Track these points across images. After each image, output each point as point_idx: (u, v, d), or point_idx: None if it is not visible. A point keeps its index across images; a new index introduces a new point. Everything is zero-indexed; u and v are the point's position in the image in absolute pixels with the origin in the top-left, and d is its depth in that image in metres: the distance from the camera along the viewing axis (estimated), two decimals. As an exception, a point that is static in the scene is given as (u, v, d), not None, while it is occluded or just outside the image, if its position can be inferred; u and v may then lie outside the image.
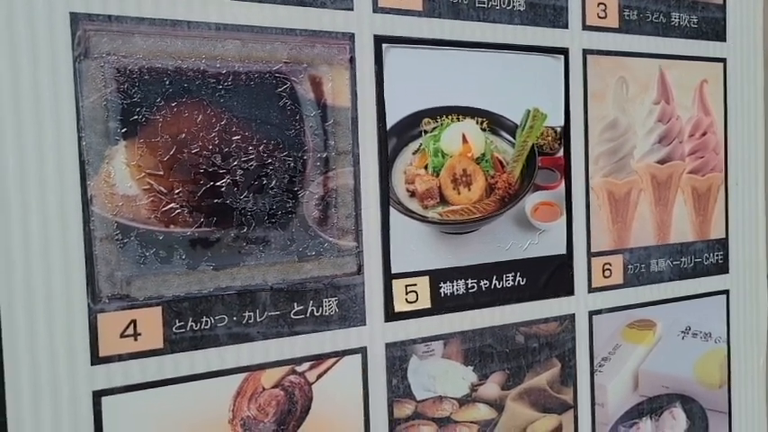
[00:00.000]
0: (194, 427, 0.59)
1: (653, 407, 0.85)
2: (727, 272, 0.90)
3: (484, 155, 0.72)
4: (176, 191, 0.57)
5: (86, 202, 0.54)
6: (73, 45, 0.53)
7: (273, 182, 0.61)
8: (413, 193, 0.69)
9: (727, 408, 0.91)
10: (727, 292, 0.90)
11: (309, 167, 0.63)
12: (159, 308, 0.57)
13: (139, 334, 0.56)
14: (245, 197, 0.60)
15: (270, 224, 0.61)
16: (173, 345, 0.58)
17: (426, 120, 0.69)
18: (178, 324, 0.58)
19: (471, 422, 0.73)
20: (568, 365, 0.78)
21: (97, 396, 0.55)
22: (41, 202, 0.53)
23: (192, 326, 0.58)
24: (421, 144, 0.69)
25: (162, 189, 0.57)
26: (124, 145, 0.55)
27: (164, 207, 0.57)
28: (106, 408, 0.55)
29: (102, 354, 0.55)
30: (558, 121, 0.77)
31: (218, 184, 0.59)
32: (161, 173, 0.57)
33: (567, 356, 0.78)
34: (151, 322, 0.57)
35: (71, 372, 0.54)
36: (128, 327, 0.56)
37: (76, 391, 0.54)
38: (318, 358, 0.64)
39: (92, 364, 0.55)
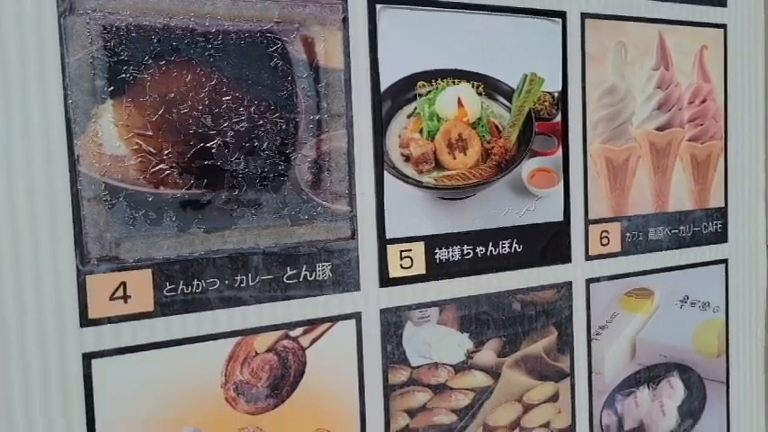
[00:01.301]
0: (186, 391, 0.58)
1: (650, 376, 0.84)
2: (726, 241, 0.89)
3: (480, 119, 0.71)
4: (166, 152, 0.56)
5: (73, 162, 0.53)
6: (58, 0, 0.52)
7: (265, 144, 0.60)
8: (407, 158, 0.68)
9: (725, 377, 0.90)
10: (725, 261, 0.89)
11: (302, 130, 0.62)
12: (149, 270, 0.56)
13: (129, 296, 0.55)
14: (235, 159, 0.59)
15: (261, 187, 0.60)
16: (163, 308, 0.57)
17: (421, 83, 0.68)
18: (169, 287, 0.57)
19: (467, 389, 0.72)
20: (565, 333, 0.78)
21: (87, 358, 0.54)
22: (27, 161, 0.52)
23: (182, 289, 0.58)
24: (416, 108, 0.68)
25: (151, 150, 0.56)
26: (111, 104, 0.54)
27: (153, 168, 0.56)
28: (96, 370, 0.55)
29: (91, 316, 0.54)
30: (556, 86, 0.75)
31: (208, 145, 0.58)
32: (150, 133, 0.56)
33: (564, 324, 0.78)
34: (141, 285, 0.56)
35: (60, 333, 0.53)
36: (117, 289, 0.55)
37: (66, 353, 0.54)
38: (312, 323, 0.63)
39: (81, 326, 0.54)
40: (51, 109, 0.52)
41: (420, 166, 0.68)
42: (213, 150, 0.58)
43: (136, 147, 0.55)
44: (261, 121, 0.60)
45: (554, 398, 0.77)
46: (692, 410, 0.87)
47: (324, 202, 0.63)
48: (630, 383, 0.83)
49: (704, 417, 0.88)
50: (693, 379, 0.88)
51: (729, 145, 0.89)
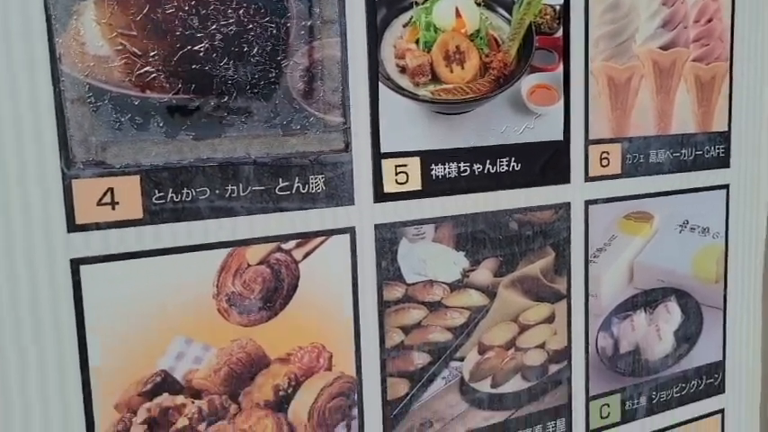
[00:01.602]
0: (178, 300, 0.57)
1: (647, 300, 0.84)
2: (728, 166, 0.88)
3: (478, 32, 0.69)
4: (151, 53, 0.54)
5: (55, 61, 0.51)
6: None
7: (255, 49, 0.58)
8: (403, 69, 0.66)
9: (722, 304, 0.90)
10: (727, 186, 0.88)
11: (293, 36, 0.60)
12: (137, 177, 0.55)
13: (117, 203, 0.54)
14: (224, 64, 0.57)
15: (252, 94, 0.58)
16: (153, 216, 0.56)
17: (417, -9, 0.65)
18: (158, 194, 0.56)
19: (462, 308, 0.72)
20: (562, 255, 0.77)
21: (75, 264, 0.53)
22: (7, 58, 0.50)
23: (172, 197, 0.56)
24: (412, 17, 0.66)
25: (136, 51, 0.54)
26: (93, 1, 0.52)
27: (138, 70, 0.54)
28: (85, 277, 0.54)
29: (78, 221, 0.53)
30: (558, -1, 0.73)
31: (195, 48, 0.56)
32: (134, 33, 0.54)
33: (562, 246, 0.77)
34: (129, 191, 0.55)
35: (47, 239, 0.52)
36: (104, 195, 0.54)
37: (53, 258, 0.53)
38: (305, 236, 0.62)
39: (68, 232, 0.53)
40: (31, 3, 0.50)
41: (416, 79, 0.66)
42: (201, 54, 0.56)
43: (120, 47, 0.53)
44: (250, 25, 0.58)
45: (550, 319, 0.77)
46: (688, 336, 0.87)
47: (316, 113, 0.61)
48: (627, 307, 0.83)
49: (700, 342, 0.88)
50: (691, 304, 0.87)
51: (735, 67, 0.87)
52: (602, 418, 0.82)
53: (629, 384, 0.84)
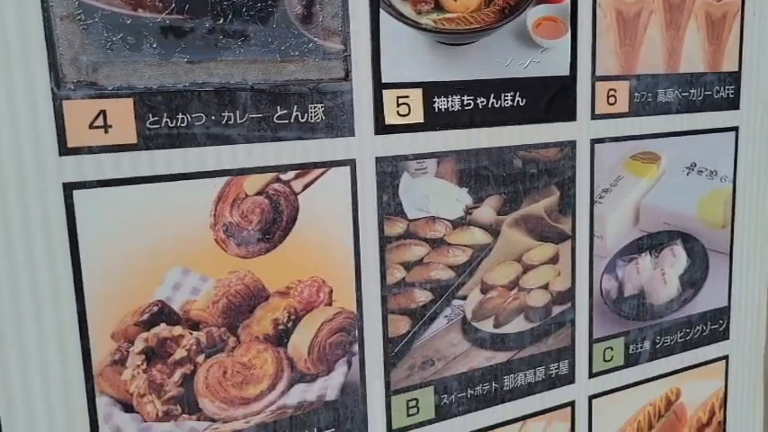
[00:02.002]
0: (175, 229, 0.56)
1: (653, 243, 0.83)
2: (738, 108, 0.86)
3: (483, -41, 0.66)
4: (143, -30, 0.52)
5: (42, -26, 0.49)
6: None
7: (251, -30, 0.56)
8: (405, -4, 0.64)
9: (728, 249, 0.89)
10: (736, 129, 0.86)
11: (291, -43, 0.57)
12: (130, 99, 0.53)
13: (110, 126, 0.53)
14: (219, -16, 0.55)
15: (248, 17, 0.56)
16: (147, 141, 0.54)
17: None
18: (152, 119, 0.54)
19: (465, 245, 0.70)
20: (567, 194, 0.75)
21: (68, 189, 0.52)
22: (-9, -30, 0.48)
23: (167, 122, 0.55)
24: (414, -59, 0.63)
25: (127, -33, 0.52)
26: None
27: (130, -13, 0.52)
28: (78, 202, 0.52)
29: (70, 144, 0.51)
30: (565, -73, 0.70)
31: (189, -34, 0.54)
32: (125, -52, 0.51)
33: (567, 185, 0.75)
34: (122, 114, 0.53)
35: (38, 162, 0.51)
36: (97, 117, 0.52)
37: (45, 182, 0.51)
38: (304, 167, 0.61)
39: (60, 155, 0.51)
40: None
41: (418, 6, 0.64)
42: (195, -27, 0.54)
43: (110, -38, 0.51)
44: (246, -56, 0.55)
45: (554, 260, 0.76)
46: (693, 280, 0.86)
47: (315, 39, 0.59)
48: (632, 250, 0.81)
49: (706, 287, 0.87)
50: (697, 249, 0.86)
51: (746, 5, 0.84)
52: (605, 361, 0.81)
53: (633, 328, 0.83)
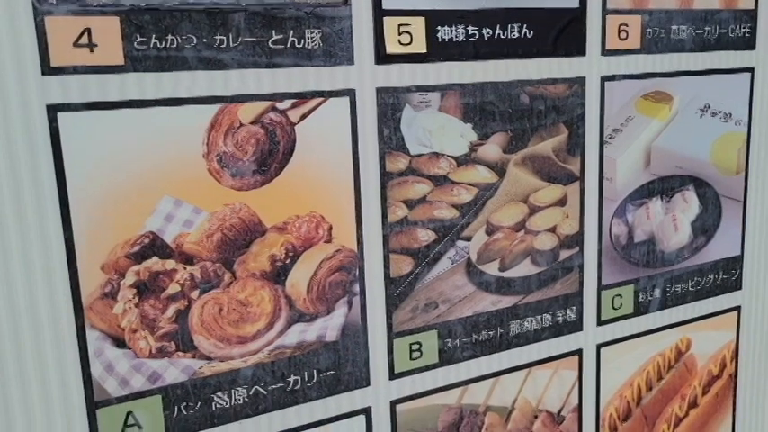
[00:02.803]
0: (165, 158, 0.54)
1: (664, 187, 0.80)
2: (754, 48, 0.82)
3: None
4: None
5: None
6: None
7: None
8: None
9: (742, 195, 0.86)
10: (751, 70, 0.83)
11: None
12: (116, 18, 0.50)
13: (95, 45, 0.50)
14: None
15: (241, -67, 0.54)
16: (135, 62, 0.51)
17: None
18: (139, 39, 0.51)
19: (470, 184, 0.68)
20: (576, 134, 0.73)
21: (52, 111, 0.49)
22: None
23: (155, 43, 0.52)
24: None
25: None
26: None
27: None
28: (63, 125, 0.50)
29: (54, 63, 0.49)
30: None
31: None
32: None
33: (576, 123, 0.72)
34: (108, 33, 0.50)
35: (20, 81, 0.48)
36: (81, 35, 0.49)
37: (28, 104, 0.49)
38: (301, 97, 0.58)
39: (43, 74, 0.49)
40: None
41: (420, -72, 0.61)
42: None
43: None
44: None
45: (562, 202, 0.73)
46: (705, 228, 0.83)
47: (312, -41, 0.56)
48: (643, 194, 0.79)
49: (718, 235, 0.85)
50: (709, 195, 0.83)
51: (765, -61, 0.80)
52: (614, 308, 0.79)
53: (643, 276, 0.80)
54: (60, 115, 0.50)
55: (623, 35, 0.73)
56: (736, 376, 0.91)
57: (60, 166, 0.50)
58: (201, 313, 0.57)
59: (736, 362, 0.90)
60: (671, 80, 0.77)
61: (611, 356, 0.80)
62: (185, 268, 0.56)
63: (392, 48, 0.61)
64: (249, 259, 0.58)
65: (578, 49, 0.71)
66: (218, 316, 0.58)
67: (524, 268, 0.72)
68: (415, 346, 0.67)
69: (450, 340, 0.69)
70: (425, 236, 0.66)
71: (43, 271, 0.51)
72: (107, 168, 0.52)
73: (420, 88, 0.63)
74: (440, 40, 0.63)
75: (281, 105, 0.58)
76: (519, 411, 0.74)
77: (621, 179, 0.77)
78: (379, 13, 0.60)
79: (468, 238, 0.68)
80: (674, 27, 0.76)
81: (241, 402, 0.60)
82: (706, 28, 0.78)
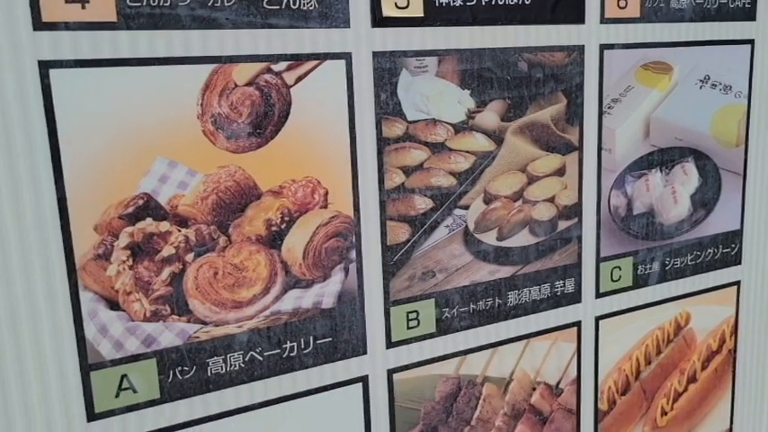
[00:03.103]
0: (159, 118, 0.53)
1: (664, 159, 0.79)
2: (754, 19, 0.81)
3: None
4: None
5: None
6: None
7: None
8: None
9: (742, 169, 0.85)
10: (752, 41, 0.82)
11: None
12: (109, -27, 0.50)
13: (87, 1, 0.49)
14: None
15: None
16: (128, 20, 0.51)
17: None
18: (132, -4, 0.51)
19: (467, 152, 0.67)
20: (575, 103, 0.72)
21: (44, 67, 0.49)
22: None
23: (148, 1, 0.51)
24: None
25: None
26: None
27: None
28: (55, 82, 0.49)
29: (45, 18, 0.48)
30: None
31: None
32: None
33: (574, 92, 0.72)
34: (100, -11, 0.50)
35: (11, 36, 0.48)
36: (73, -9, 0.49)
37: (20, 59, 0.48)
38: (297, 59, 0.58)
39: (34, 29, 0.48)
40: None
41: None
42: None
43: None
44: None
45: (560, 171, 0.73)
46: (705, 201, 0.83)
47: None
48: (642, 165, 0.78)
49: (718, 209, 0.84)
50: (709, 167, 0.82)
51: None
52: (612, 281, 0.79)
53: (642, 248, 0.80)
54: (52, 72, 0.49)
55: (623, 3, 0.72)
56: (735, 352, 0.90)
57: (53, 124, 0.50)
58: (196, 277, 0.56)
59: (736, 337, 0.90)
60: (671, 50, 0.77)
61: (609, 329, 0.79)
62: (180, 231, 0.55)
63: (389, 11, 0.61)
64: (244, 223, 0.58)
65: (577, 16, 0.70)
66: (213, 280, 0.57)
67: (522, 238, 0.71)
68: (413, 315, 0.67)
69: (447, 310, 0.69)
70: (423, 203, 0.66)
71: (36, 229, 0.50)
72: (100, 127, 0.51)
73: (417, 53, 0.63)
74: (437, 3, 0.63)
75: (276, 67, 0.57)
76: (517, 383, 0.74)
77: (621, 150, 0.76)
78: (376, -24, 0.59)
79: (466, 207, 0.68)
80: (673, -4, 0.75)
81: (237, 368, 0.59)
82: (706, -2, 0.78)
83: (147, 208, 0.54)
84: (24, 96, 0.49)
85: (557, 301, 0.75)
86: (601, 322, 0.79)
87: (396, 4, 0.61)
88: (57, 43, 0.49)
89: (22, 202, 0.50)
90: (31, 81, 0.49)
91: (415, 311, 0.67)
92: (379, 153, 0.63)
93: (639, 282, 0.81)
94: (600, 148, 0.75)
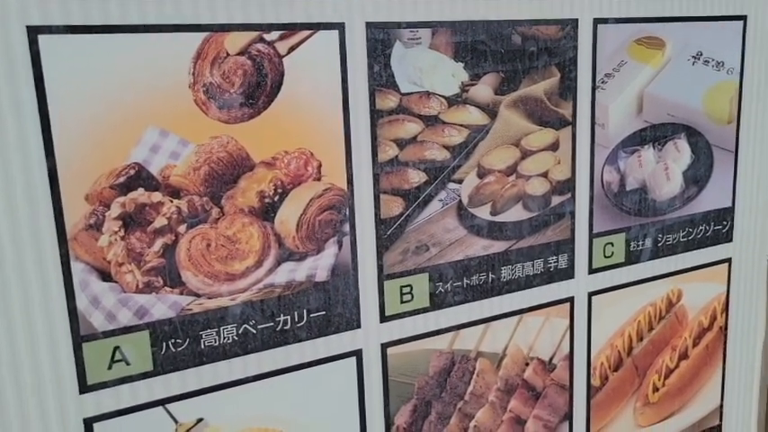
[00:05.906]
0: (150, 86, 0.52)
1: (656, 135, 0.79)
2: (747, -5, 0.82)
3: None
4: None
5: None
6: None
7: None
8: None
9: (734, 146, 0.85)
10: (744, 18, 0.82)
11: None
12: (98, -62, 0.49)
13: (77, -35, 0.49)
14: None
15: None
16: (118, -15, 0.50)
17: None
18: (122, -39, 0.50)
19: (461, 125, 0.67)
20: (568, 77, 0.72)
21: (32, 33, 0.48)
22: None
23: (139, -34, 0.51)
24: None
25: None
26: None
27: None
28: (44, 48, 0.48)
29: (33, -17, 0.48)
30: None
31: None
32: None
33: (568, 67, 0.71)
34: (89, -47, 0.49)
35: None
36: (62, -46, 0.48)
37: (7, 26, 0.47)
38: (289, 28, 0.57)
39: None
40: None
41: None
42: None
43: None
44: None
45: (554, 146, 0.72)
46: (697, 177, 0.83)
47: None
48: (635, 141, 0.78)
49: (710, 186, 0.84)
50: (701, 144, 0.83)
51: None
52: (605, 257, 0.79)
53: (635, 224, 0.80)
54: (41, 38, 0.48)
55: (616, -23, 0.72)
56: (726, 329, 0.91)
57: (42, 91, 0.49)
58: (189, 248, 0.56)
59: (727, 314, 0.90)
60: (664, 25, 0.77)
61: (602, 305, 0.80)
62: (172, 201, 0.55)
63: (382, -19, 0.60)
64: (237, 194, 0.57)
65: (571, -11, 0.70)
66: (205, 252, 0.57)
67: (516, 213, 0.71)
68: (406, 289, 0.67)
69: (441, 284, 0.68)
70: (416, 177, 0.65)
71: (26, 198, 0.50)
72: (90, 95, 0.50)
73: (410, 24, 0.62)
74: (430, -25, 0.62)
75: (268, 36, 0.56)
76: (510, 358, 0.74)
77: (614, 125, 0.76)
78: (369, -55, 0.59)
79: (460, 181, 0.68)
80: (667, -29, 0.75)
81: (230, 341, 0.59)
82: (699, -27, 0.77)
83: (139, 178, 0.53)
84: (12, 63, 0.48)
85: (550, 276, 0.75)
86: (593, 298, 0.79)
87: (389, -26, 0.60)
88: (45, 8, 0.48)
89: (12, 172, 0.49)
90: (20, 47, 0.48)
91: (409, 285, 0.67)
92: (373, 125, 0.62)
93: (632, 258, 0.81)
94: (593, 124, 0.75)
